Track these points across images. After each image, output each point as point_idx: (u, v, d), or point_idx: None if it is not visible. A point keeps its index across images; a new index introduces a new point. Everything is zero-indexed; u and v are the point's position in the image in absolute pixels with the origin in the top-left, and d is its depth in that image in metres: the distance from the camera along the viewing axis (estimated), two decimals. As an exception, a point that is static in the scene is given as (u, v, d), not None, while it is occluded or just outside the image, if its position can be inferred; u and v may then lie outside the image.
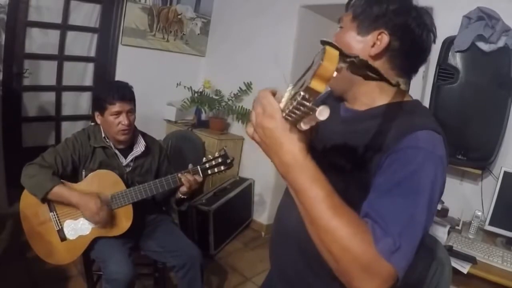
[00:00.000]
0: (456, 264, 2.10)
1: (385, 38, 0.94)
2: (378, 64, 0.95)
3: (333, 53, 0.62)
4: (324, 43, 0.64)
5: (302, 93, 0.62)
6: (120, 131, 2.10)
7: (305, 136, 0.76)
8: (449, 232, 2.46)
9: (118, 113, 2.08)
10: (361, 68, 0.71)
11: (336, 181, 0.80)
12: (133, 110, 2.16)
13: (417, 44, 0.97)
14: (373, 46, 0.96)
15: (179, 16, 4.20)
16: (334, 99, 1.11)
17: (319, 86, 0.61)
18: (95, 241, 2.09)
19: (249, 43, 4.05)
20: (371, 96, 1.01)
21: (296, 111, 0.66)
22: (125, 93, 2.12)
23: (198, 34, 4.41)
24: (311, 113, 0.64)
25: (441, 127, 0.93)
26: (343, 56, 0.65)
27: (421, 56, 1.01)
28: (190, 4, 4.27)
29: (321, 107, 0.63)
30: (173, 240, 2.27)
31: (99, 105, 2.12)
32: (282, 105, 0.74)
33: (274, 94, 0.78)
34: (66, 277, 2.76)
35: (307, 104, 0.63)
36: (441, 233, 2.41)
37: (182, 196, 2.16)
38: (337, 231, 0.75)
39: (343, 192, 0.80)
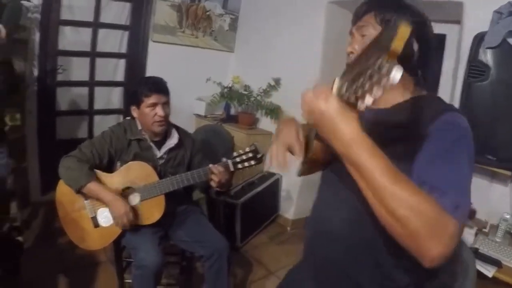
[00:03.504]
0: (481, 267, 2.06)
1: (414, 46, 1.04)
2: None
3: (407, 22, 0.70)
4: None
5: (380, 59, 0.70)
6: (156, 122, 2.15)
7: (358, 115, 0.81)
8: (476, 234, 2.40)
9: (154, 105, 2.13)
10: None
11: None
12: (168, 103, 2.20)
13: (432, 52, 1.10)
14: None
15: (207, 13, 4.24)
16: None
17: (400, 46, 0.68)
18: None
19: (277, 39, 4.04)
20: (396, 94, 1.08)
21: (366, 84, 0.72)
22: (160, 86, 2.17)
23: (227, 30, 4.45)
24: (385, 78, 0.69)
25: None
26: None
27: (433, 61, 1.14)
28: (218, 1, 4.31)
29: (395, 67, 0.68)
30: (202, 231, 2.30)
31: (135, 98, 2.18)
32: (334, 92, 0.82)
33: None
34: (96, 263, 2.84)
35: (387, 64, 0.69)
36: (467, 234, 2.36)
37: (218, 189, 2.19)
38: (403, 195, 0.78)
39: None
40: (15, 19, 2.06)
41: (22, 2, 2.92)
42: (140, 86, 2.19)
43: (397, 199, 0.78)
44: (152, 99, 2.13)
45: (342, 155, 0.84)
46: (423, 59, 1.07)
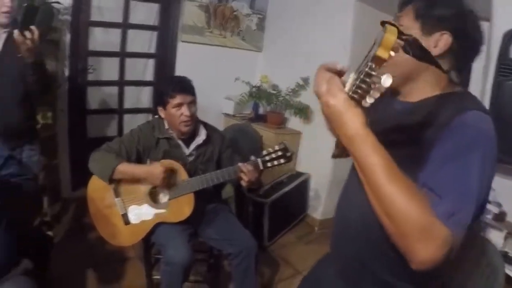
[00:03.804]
0: (510, 271, 1.97)
1: (448, 39, 0.99)
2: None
3: (393, 28, 0.74)
4: (384, 23, 0.77)
5: (369, 64, 0.75)
6: (182, 122, 2.15)
7: (365, 112, 0.84)
8: (505, 238, 2.31)
9: (179, 105, 2.13)
10: (414, 48, 0.83)
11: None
12: (194, 102, 2.20)
13: (473, 46, 1.05)
14: (435, 46, 1.00)
15: (235, 13, 4.25)
16: (389, 95, 1.13)
17: (384, 54, 0.73)
18: (156, 226, 2.17)
19: (305, 38, 4.01)
20: (425, 89, 1.05)
21: (363, 85, 0.78)
22: (185, 86, 2.17)
23: (254, 30, 4.45)
24: (376, 83, 0.75)
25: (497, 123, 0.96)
26: (399, 33, 0.76)
27: (474, 57, 1.08)
28: (245, 1, 4.32)
29: (385, 75, 0.73)
30: (231, 229, 2.30)
31: (161, 99, 2.20)
32: (346, 88, 0.84)
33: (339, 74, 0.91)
34: (125, 258, 2.86)
35: (373, 73, 0.74)
36: (497, 237, 2.29)
37: (247, 187, 2.19)
38: (396, 195, 0.80)
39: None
40: (47, 21, 2.10)
41: (53, 4, 2.99)
42: (165, 87, 2.21)
43: (391, 198, 0.80)
44: (177, 100, 2.13)
45: (347, 149, 0.87)
46: (460, 54, 1.03)
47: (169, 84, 2.19)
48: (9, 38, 2.16)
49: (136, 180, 2.14)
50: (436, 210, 0.79)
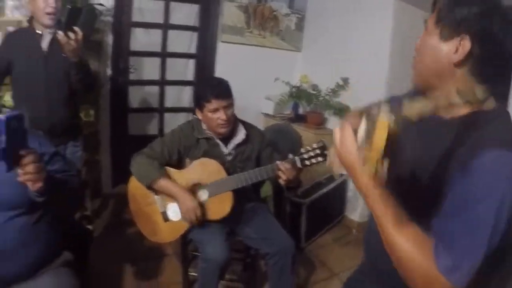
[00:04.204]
0: None
1: (466, 44, 0.90)
2: (461, 72, 0.94)
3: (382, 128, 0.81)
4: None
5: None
6: (219, 125, 2.15)
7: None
8: None
9: (215, 110, 2.13)
10: None
11: (408, 190, 0.93)
12: (231, 105, 2.18)
13: (500, 50, 0.92)
14: (455, 52, 0.92)
15: (274, 13, 4.24)
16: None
17: (371, 167, 0.82)
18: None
19: (344, 38, 3.94)
20: (451, 100, 0.97)
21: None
22: (221, 91, 2.15)
23: (293, 29, 4.41)
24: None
25: None
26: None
27: (505, 62, 0.95)
28: (284, 1, 4.29)
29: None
30: (269, 229, 2.28)
31: (198, 103, 2.20)
32: (359, 138, 0.87)
33: (353, 127, 0.90)
34: (162, 255, 2.90)
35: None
36: None
37: (285, 187, 2.17)
38: (402, 246, 0.84)
39: (414, 200, 0.90)
40: (90, 23, 2.17)
41: (96, 6, 3.07)
42: (202, 91, 2.21)
43: (397, 247, 0.85)
44: (213, 105, 2.12)
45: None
46: (484, 61, 0.92)
47: (206, 88, 2.18)
48: (54, 39, 2.24)
49: (176, 178, 2.17)
50: (438, 262, 0.81)
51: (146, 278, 2.65)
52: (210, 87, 2.17)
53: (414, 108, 0.95)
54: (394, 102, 1.12)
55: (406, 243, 0.84)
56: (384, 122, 0.79)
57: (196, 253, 2.32)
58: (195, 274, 2.30)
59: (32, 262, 1.52)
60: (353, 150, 0.87)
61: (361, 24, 3.76)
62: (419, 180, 0.98)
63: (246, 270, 2.58)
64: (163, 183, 2.10)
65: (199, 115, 2.23)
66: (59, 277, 1.56)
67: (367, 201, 0.89)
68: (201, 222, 2.12)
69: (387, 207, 0.86)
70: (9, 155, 1.14)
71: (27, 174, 1.21)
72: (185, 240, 2.35)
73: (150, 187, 2.13)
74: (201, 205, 2.11)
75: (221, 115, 2.12)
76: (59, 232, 1.65)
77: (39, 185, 1.25)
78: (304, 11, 4.45)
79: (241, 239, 2.34)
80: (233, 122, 2.24)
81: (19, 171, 1.21)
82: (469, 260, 0.81)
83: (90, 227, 2.81)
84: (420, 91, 1.05)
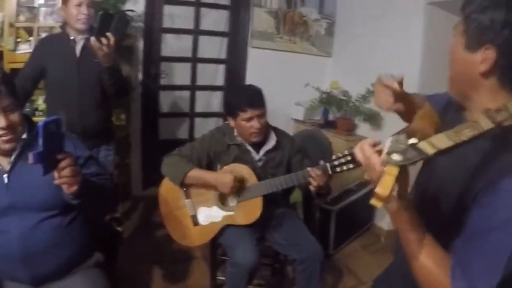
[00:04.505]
0: None
1: (491, 54, 0.85)
2: (489, 83, 0.89)
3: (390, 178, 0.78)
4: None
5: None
6: (252, 134, 2.16)
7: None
8: None
9: (249, 119, 2.13)
10: None
11: (433, 207, 0.96)
12: (264, 114, 2.18)
13: None
14: (482, 62, 0.87)
15: (304, 18, 4.23)
16: (455, 109, 1.04)
17: (377, 204, 0.79)
18: (224, 228, 2.20)
19: (375, 43, 3.88)
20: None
21: None
22: (255, 100, 2.15)
23: (323, 35, 4.39)
24: None
25: None
26: None
27: None
28: (314, 6, 4.27)
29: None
30: (298, 235, 2.27)
31: (231, 111, 2.20)
32: (383, 155, 0.83)
33: (375, 144, 0.90)
34: (190, 258, 2.92)
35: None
36: None
37: (315, 193, 2.14)
38: (422, 261, 0.87)
39: (438, 218, 0.94)
40: (122, 29, 2.21)
41: (127, 12, 3.13)
42: (235, 99, 2.21)
43: (418, 265, 0.88)
44: (247, 114, 2.12)
45: None
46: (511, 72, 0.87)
47: (240, 97, 2.18)
48: (86, 44, 2.29)
49: (206, 184, 2.18)
50: (453, 284, 0.82)
51: (174, 280, 2.66)
52: (244, 96, 2.17)
53: (461, 134, 0.80)
54: (436, 103, 1.10)
55: (427, 260, 0.87)
56: (393, 168, 0.77)
57: (225, 257, 2.33)
58: (223, 278, 2.31)
59: (64, 263, 1.55)
60: (377, 170, 0.86)
61: (392, 29, 3.69)
62: (446, 198, 0.97)
63: (274, 275, 2.59)
64: (194, 173, 2.13)
65: (231, 123, 2.23)
66: (90, 278, 1.59)
67: (392, 220, 0.90)
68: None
69: (414, 232, 0.88)
70: (46, 158, 1.16)
71: (63, 177, 1.23)
72: (214, 244, 2.36)
73: (182, 184, 2.15)
74: (238, 180, 2.14)
75: (254, 124, 2.12)
76: (91, 233, 1.68)
77: (74, 188, 1.28)
78: (334, 16, 4.42)
79: (270, 244, 2.33)
80: (265, 131, 2.23)
81: (55, 174, 1.23)
82: (484, 285, 0.81)
83: (119, 228, 2.85)
84: (454, 96, 1.03)
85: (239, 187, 2.14)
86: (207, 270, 2.58)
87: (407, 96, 1.10)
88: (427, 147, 0.76)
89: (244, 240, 2.11)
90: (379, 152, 0.86)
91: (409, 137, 0.80)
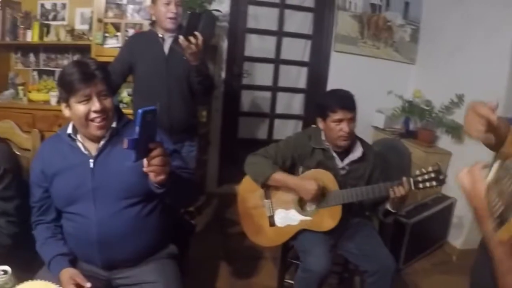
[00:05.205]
0: None
1: None
2: None
3: None
4: None
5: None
6: (340, 137, 2.14)
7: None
8: None
9: (339, 121, 2.11)
10: None
11: None
12: (354, 118, 2.17)
13: None
14: None
15: (388, 23, 4.14)
16: None
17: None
18: (300, 232, 2.20)
19: (461, 52, 3.69)
20: None
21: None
22: (348, 102, 2.15)
23: (408, 41, 4.26)
24: None
25: None
26: None
27: None
28: (399, 11, 4.17)
29: None
30: (372, 246, 2.23)
31: (322, 111, 2.19)
32: (488, 179, 0.85)
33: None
34: (258, 257, 2.95)
35: None
36: None
37: (390, 209, 2.12)
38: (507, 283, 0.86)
39: None
40: (210, 28, 2.24)
41: (213, 11, 3.21)
42: (328, 100, 2.20)
43: (504, 283, 0.86)
44: (338, 115, 2.10)
45: None
46: None
47: (333, 98, 2.18)
48: (175, 42, 2.34)
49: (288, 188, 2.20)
50: None
51: (240, 278, 2.72)
52: (337, 97, 2.17)
53: None
54: None
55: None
56: None
57: (295, 261, 2.33)
58: (291, 282, 2.30)
59: (138, 251, 1.60)
60: (481, 196, 0.85)
61: (480, 37, 3.50)
62: None
63: (342, 284, 2.56)
64: (278, 176, 2.14)
65: (320, 125, 2.23)
66: (163, 268, 1.62)
67: (489, 246, 0.88)
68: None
69: (503, 263, 0.86)
70: (139, 145, 1.18)
71: (153, 165, 1.25)
72: (286, 246, 2.37)
73: (264, 184, 2.18)
74: (322, 188, 2.13)
75: (344, 127, 2.10)
76: (167, 224, 1.71)
77: (162, 177, 1.29)
78: (419, 22, 4.28)
79: (341, 252, 2.31)
80: (353, 137, 2.22)
81: (145, 162, 1.25)
82: None
83: (192, 222, 2.94)
84: None
85: (320, 195, 2.14)
86: (275, 271, 2.60)
87: (499, 125, 1.10)
88: None
89: (318, 246, 2.10)
90: None
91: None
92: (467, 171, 0.91)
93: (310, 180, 2.11)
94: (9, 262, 1.36)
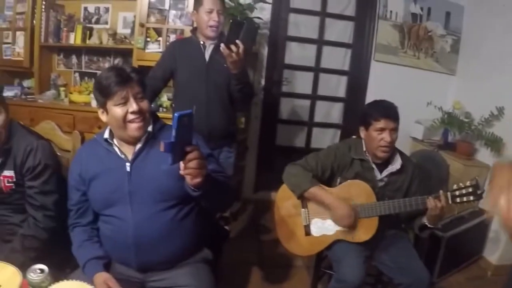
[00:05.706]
0: None
1: None
2: None
3: None
4: None
5: None
6: (380, 147, 2.14)
7: None
8: None
9: (381, 130, 2.13)
10: None
11: None
12: (396, 129, 2.17)
13: None
14: None
15: (429, 33, 4.10)
16: None
17: None
18: (335, 242, 2.22)
19: (503, 64, 3.63)
20: None
21: None
22: (391, 112, 2.16)
23: (448, 52, 4.22)
24: None
25: None
26: None
27: None
28: (440, 21, 4.13)
29: None
30: (407, 259, 2.23)
31: (365, 120, 2.21)
32: None
33: None
34: (291, 265, 2.97)
35: None
36: None
37: (426, 223, 2.12)
38: None
39: None
40: (252, 36, 2.25)
41: (255, 19, 3.25)
42: (372, 109, 2.22)
43: None
44: (381, 124, 2.12)
45: None
46: None
47: (377, 107, 2.20)
48: (216, 50, 2.39)
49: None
50: None
51: (273, 284, 2.74)
52: (381, 107, 2.19)
53: None
54: None
55: None
56: None
57: (329, 271, 2.36)
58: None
59: (173, 255, 1.61)
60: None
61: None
62: None
63: (374, 296, 2.55)
64: (316, 191, 2.16)
65: (362, 134, 2.25)
66: (197, 273, 1.63)
67: None
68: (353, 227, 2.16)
69: None
70: (176, 148, 1.19)
71: (189, 168, 1.25)
72: (320, 256, 2.39)
73: (300, 196, 2.21)
74: (355, 210, 2.14)
75: (385, 136, 2.11)
76: (203, 228, 1.72)
77: (198, 180, 1.28)
78: (460, 33, 4.22)
79: (375, 264, 2.32)
80: (393, 149, 2.23)
81: (181, 165, 1.26)
82: None
83: (227, 227, 2.98)
84: None
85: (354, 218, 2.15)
86: (307, 280, 2.62)
87: None
88: None
89: (353, 257, 2.11)
90: None
91: None
92: (502, 190, 0.82)
93: (344, 204, 2.13)
94: (46, 261, 1.38)
